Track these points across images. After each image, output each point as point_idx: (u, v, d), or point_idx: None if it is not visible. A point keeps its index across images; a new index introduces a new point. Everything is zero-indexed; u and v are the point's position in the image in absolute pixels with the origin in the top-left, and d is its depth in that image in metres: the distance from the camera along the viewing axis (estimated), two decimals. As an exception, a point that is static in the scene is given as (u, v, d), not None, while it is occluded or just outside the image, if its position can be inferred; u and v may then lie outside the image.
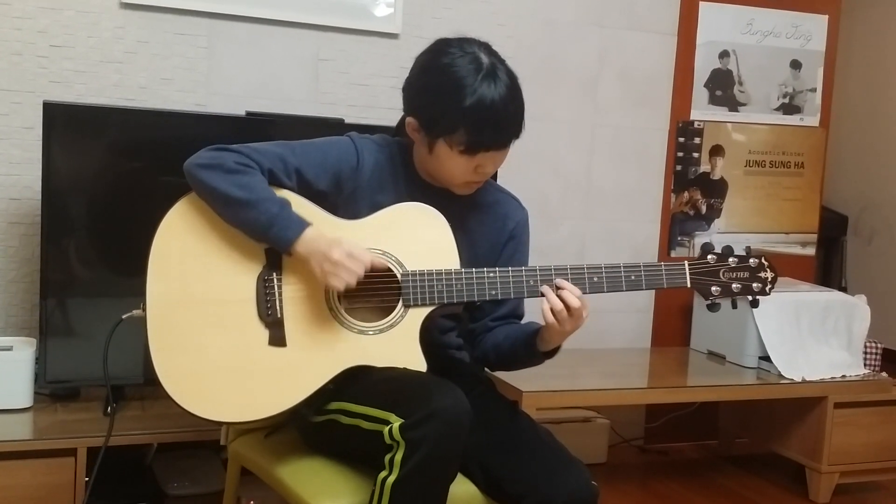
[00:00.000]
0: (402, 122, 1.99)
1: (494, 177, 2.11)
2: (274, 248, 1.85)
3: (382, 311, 1.87)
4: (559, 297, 1.85)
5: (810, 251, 3.89)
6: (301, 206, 1.88)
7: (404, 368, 1.83)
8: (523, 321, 2.09)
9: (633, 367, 3.45)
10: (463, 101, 1.82)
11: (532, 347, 1.95)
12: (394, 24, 3.12)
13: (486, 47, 1.90)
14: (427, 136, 1.89)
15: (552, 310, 1.85)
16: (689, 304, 3.61)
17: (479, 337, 2.07)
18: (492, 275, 1.88)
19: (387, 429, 1.69)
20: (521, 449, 1.90)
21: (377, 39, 3.13)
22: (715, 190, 3.69)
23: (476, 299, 1.88)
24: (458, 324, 2.07)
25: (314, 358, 1.84)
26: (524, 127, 1.90)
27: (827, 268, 4.71)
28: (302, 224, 1.83)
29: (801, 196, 3.83)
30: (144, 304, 1.85)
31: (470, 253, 1.97)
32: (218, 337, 1.84)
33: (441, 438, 1.67)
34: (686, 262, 1.94)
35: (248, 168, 1.85)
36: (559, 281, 1.88)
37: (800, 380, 3.22)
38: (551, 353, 1.98)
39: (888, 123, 4.79)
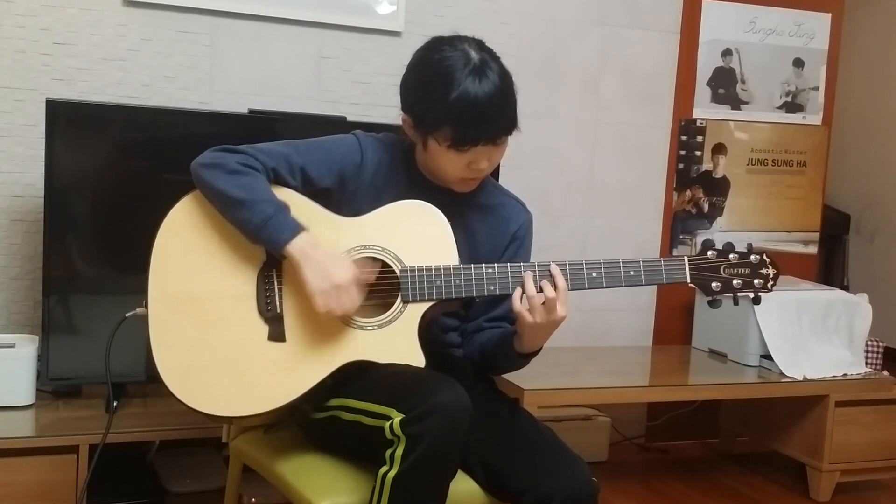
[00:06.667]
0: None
1: (497, 175, 2.11)
2: (267, 249, 1.86)
3: (381, 307, 1.87)
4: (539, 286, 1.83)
5: (812, 250, 3.88)
6: (302, 205, 1.89)
7: (405, 364, 1.84)
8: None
9: (634, 365, 3.45)
10: (448, 96, 1.81)
11: (508, 347, 1.92)
12: (396, 22, 3.13)
13: (479, 43, 1.89)
14: (418, 132, 1.90)
15: (525, 295, 1.82)
16: (691, 302, 3.61)
17: (469, 336, 2.05)
18: (490, 270, 1.87)
19: (388, 424, 1.70)
20: (521, 445, 1.90)
21: (380, 37, 3.13)
22: (717, 188, 3.69)
23: (475, 295, 1.88)
24: (461, 323, 2.07)
25: (313, 353, 1.84)
26: (516, 123, 1.88)
27: (829, 266, 4.72)
28: (296, 228, 1.82)
29: (804, 194, 3.83)
30: (147, 301, 1.86)
31: (471, 254, 1.97)
32: (218, 332, 1.85)
33: (442, 433, 1.67)
34: (686, 258, 1.94)
35: (249, 169, 1.86)
36: (553, 267, 1.85)
37: (801, 378, 3.22)
38: (528, 356, 1.94)
39: (891, 122, 4.79)
